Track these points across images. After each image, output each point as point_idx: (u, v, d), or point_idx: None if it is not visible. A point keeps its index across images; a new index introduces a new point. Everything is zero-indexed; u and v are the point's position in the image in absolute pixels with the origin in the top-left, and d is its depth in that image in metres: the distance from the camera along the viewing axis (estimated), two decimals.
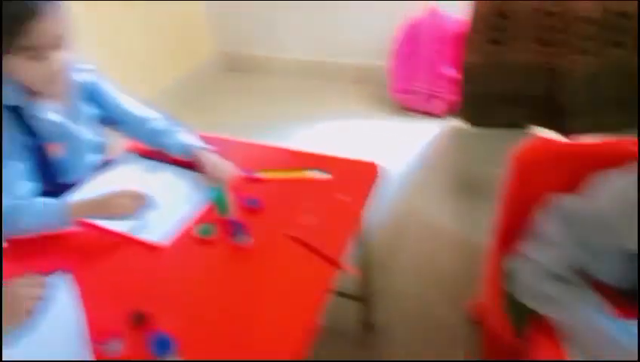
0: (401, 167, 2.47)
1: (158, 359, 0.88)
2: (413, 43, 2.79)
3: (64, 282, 1.04)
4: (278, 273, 1.05)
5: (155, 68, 3.03)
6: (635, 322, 0.99)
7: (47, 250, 1.14)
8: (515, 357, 1.16)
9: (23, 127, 1.15)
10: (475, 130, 2.69)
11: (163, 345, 0.90)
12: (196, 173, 1.31)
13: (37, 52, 1.04)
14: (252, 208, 1.21)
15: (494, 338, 1.25)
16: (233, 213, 1.19)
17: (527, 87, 2.41)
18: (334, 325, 1.64)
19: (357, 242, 1.39)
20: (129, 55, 2.83)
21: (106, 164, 1.38)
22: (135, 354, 0.90)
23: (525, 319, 1.11)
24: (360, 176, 1.29)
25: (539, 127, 2.55)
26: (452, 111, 2.79)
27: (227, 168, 1.30)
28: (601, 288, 1.06)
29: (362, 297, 1.64)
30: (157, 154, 1.39)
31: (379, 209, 1.23)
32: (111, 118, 1.36)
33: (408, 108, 2.91)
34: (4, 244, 1.17)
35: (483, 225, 2.07)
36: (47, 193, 1.21)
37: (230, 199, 1.20)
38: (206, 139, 1.37)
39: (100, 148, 1.37)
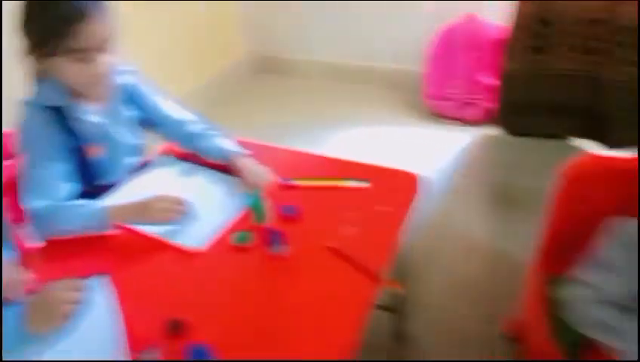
0: (433, 176, 2.42)
1: None
2: (449, 48, 2.74)
3: (101, 285, 1.03)
4: (317, 285, 1.02)
5: (186, 68, 3.04)
6: None
7: (84, 252, 1.14)
8: None
9: (64, 128, 1.16)
10: (512, 139, 2.63)
11: (200, 355, 0.88)
12: (232, 178, 1.30)
13: (83, 54, 1.05)
14: (289, 216, 1.19)
15: (538, 358, 1.20)
16: (270, 220, 1.17)
17: (568, 96, 2.34)
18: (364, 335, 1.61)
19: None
20: (160, 55, 2.84)
21: (143, 166, 1.38)
22: None
23: (578, 345, 1.06)
24: (400, 186, 1.26)
25: (579, 139, 2.48)
26: (488, 119, 2.73)
27: (264, 174, 1.28)
28: None
29: (394, 308, 1.60)
30: (192, 157, 1.38)
31: (411, 218, 1.19)
32: (149, 120, 1.36)
33: (441, 115, 2.85)
34: (43, 244, 1.18)
35: (519, 239, 2.02)
36: (85, 194, 1.22)
37: (267, 206, 1.17)
38: (242, 144, 1.35)
39: (137, 150, 1.37)
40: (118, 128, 1.27)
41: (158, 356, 0.89)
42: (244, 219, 1.19)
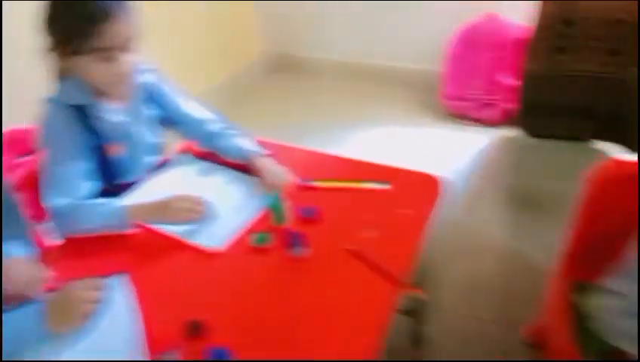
0: (451, 177, 2.39)
1: None
2: (468, 48, 2.70)
3: (121, 284, 1.03)
4: (337, 289, 1.00)
5: (201, 67, 3.03)
6: None
7: (103, 250, 1.13)
8: None
9: (86, 126, 1.16)
10: (531, 141, 2.59)
11: (220, 357, 0.87)
12: (251, 178, 1.29)
13: (107, 53, 1.06)
14: (308, 218, 1.18)
15: None
16: (289, 222, 1.16)
17: (592, 98, 2.29)
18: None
19: None
20: (176, 53, 2.84)
21: (162, 165, 1.37)
22: None
23: (604, 354, 1.03)
24: (421, 189, 1.24)
25: (602, 142, 2.43)
26: (507, 121, 2.69)
27: (283, 175, 1.27)
28: None
29: (412, 311, 1.58)
30: (211, 156, 1.38)
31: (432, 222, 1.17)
32: (169, 119, 1.35)
33: (460, 116, 2.82)
34: (62, 242, 1.18)
35: (538, 242, 1.99)
36: (105, 193, 1.22)
37: (287, 207, 1.16)
38: (261, 144, 1.34)
39: (157, 149, 1.37)
40: (139, 127, 1.27)
41: (178, 357, 0.88)
42: (263, 219, 1.18)
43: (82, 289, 0.96)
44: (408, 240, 1.10)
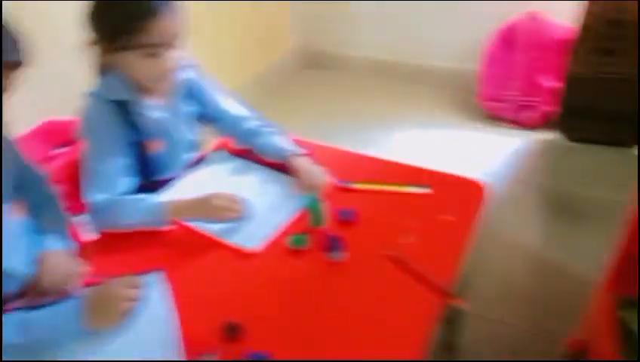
0: (486, 181, 2.33)
1: None
2: (508, 48, 2.63)
3: (157, 281, 1.02)
4: (376, 296, 0.98)
5: (234, 62, 3.03)
6: None
7: (139, 246, 1.13)
8: None
9: (127, 122, 1.16)
10: (571, 145, 2.50)
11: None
12: (287, 178, 1.27)
13: (153, 50, 1.06)
14: (346, 221, 1.15)
15: None
16: (327, 224, 1.13)
17: (636, 103, 2.20)
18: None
19: None
20: (208, 49, 2.83)
21: (198, 162, 1.36)
22: None
23: None
24: (464, 194, 1.20)
25: None
26: (546, 124, 2.61)
27: (321, 175, 1.24)
28: None
29: (448, 319, 1.54)
30: (246, 153, 1.36)
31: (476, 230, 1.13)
32: (208, 116, 1.34)
33: (497, 118, 2.74)
34: (98, 237, 1.19)
35: (575, 251, 1.93)
36: (142, 188, 1.21)
37: (324, 209, 1.14)
38: (298, 143, 1.32)
39: (194, 146, 1.36)
40: (178, 124, 1.26)
41: (214, 359, 0.87)
42: (300, 221, 1.16)
43: (120, 286, 0.95)
44: (451, 248, 1.06)
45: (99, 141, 1.14)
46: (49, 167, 1.28)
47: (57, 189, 1.16)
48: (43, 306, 0.94)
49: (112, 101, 1.14)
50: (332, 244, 1.07)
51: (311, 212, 1.14)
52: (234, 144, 1.39)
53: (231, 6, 2.85)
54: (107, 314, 0.92)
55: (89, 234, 1.25)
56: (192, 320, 0.94)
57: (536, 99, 2.61)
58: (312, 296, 0.99)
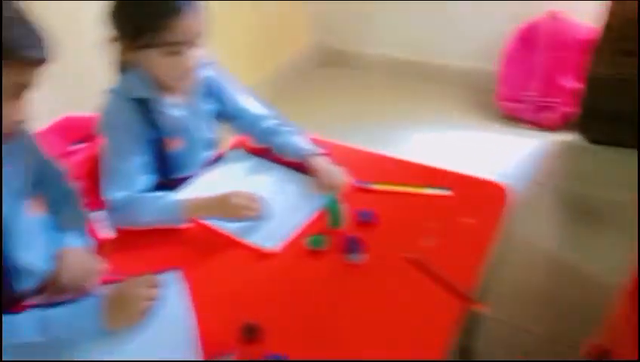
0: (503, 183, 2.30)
1: None
2: (527, 48, 2.58)
3: (174, 280, 1.02)
4: (396, 300, 0.96)
5: (249, 59, 3.02)
6: None
7: (156, 244, 1.13)
8: None
9: (146, 119, 1.15)
10: (591, 147, 2.46)
11: None
12: (305, 177, 1.26)
13: (176, 48, 1.05)
14: (365, 222, 1.13)
15: None
16: (345, 225, 1.12)
17: None
18: None
19: None
20: (223, 46, 2.83)
21: (215, 160, 1.36)
22: None
23: None
24: (486, 197, 1.18)
25: None
26: (566, 125, 2.57)
27: (339, 175, 1.23)
28: None
29: (464, 324, 1.52)
30: (263, 152, 1.35)
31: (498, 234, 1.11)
32: (226, 114, 1.34)
33: (515, 118, 2.70)
34: (115, 235, 1.18)
35: (594, 254, 1.89)
36: (160, 186, 1.21)
37: (343, 210, 1.12)
38: (316, 143, 1.31)
39: (212, 144, 1.35)
40: (197, 122, 1.26)
41: (233, 359, 0.86)
42: (318, 221, 1.15)
43: (138, 286, 0.95)
44: (472, 252, 1.04)
45: (119, 138, 1.14)
46: (67, 163, 1.28)
47: (76, 185, 1.16)
48: (62, 304, 0.94)
49: (132, 98, 1.13)
50: (351, 246, 1.05)
51: (329, 212, 1.13)
52: (252, 142, 1.38)
53: (246, 4, 2.85)
54: (125, 314, 0.91)
55: (106, 232, 1.25)
56: (209, 320, 0.93)
57: (556, 99, 2.57)
58: (331, 298, 0.98)
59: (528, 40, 2.57)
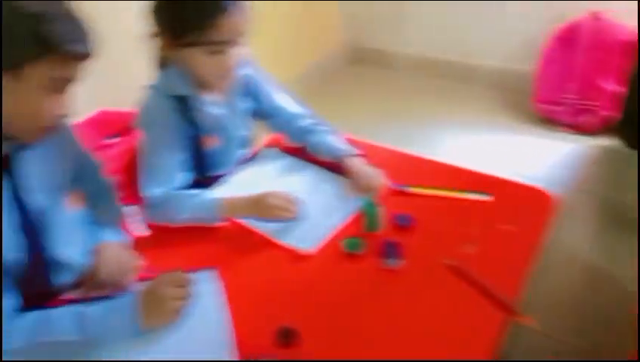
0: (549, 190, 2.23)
1: None
2: (567, 49, 2.51)
3: (209, 278, 1.01)
4: (436, 308, 0.93)
5: (281, 56, 3.00)
6: None
7: (192, 242, 1.12)
8: None
9: (185, 117, 1.15)
10: (631, 152, 2.37)
11: None
12: (340, 178, 1.23)
13: (219, 47, 1.04)
14: (403, 226, 1.11)
15: None
16: (383, 229, 1.10)
17: None
18: None
19: None
20: (256, 45, 2.81)
21: (249, 159, 1.35)
22: None
23: None
24: (529, 204, 1.14)
25: None
26: (605, 129, 2.49)
27: (376, 177, 1.20)
28: None
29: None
30: (297, 151, 1.34)
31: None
32: (262, 112, 1.33)
33: (553, 121, 2.63)
34: (150, 231, 1.18)
35: (632, 263, 1.82)
36: (195, 184, 1.20)
37: (381, 213, 1.10)
38: (350, 142, 1.28)
39: (247, 142, 1.34)
40: (234, 120, 1.25)
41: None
42: (355, 224, 1.12)
43: (173, 284, 0.94)
44: (515, 261, 1.00)
45: (158, 135, 1.13)
46: (101, 157, 1.28)
47: (112, 180, 1.17)
48: (98, 299, 0.94)
49: (171, 95, 1.13)
50: (389, 251, 1.03)
51: (366, 215, 1.10)
52: (287, 141, 1.37)
53: (280, 3, 2.83)
54: (159, 313, 0.90)
55: (138, 228, 1.25)
56: (244, 320, 0.92)
57: (595, 102, 2.49)
58: (368, 304, 0.95)
59: (568, 40, 2.50)
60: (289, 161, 1.34)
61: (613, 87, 2.39)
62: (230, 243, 1.11)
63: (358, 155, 1.24)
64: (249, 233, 1.12)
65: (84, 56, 0.83)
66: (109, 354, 0.87)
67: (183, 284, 0.95)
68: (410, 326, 0.90)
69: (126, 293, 0.96)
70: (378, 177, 1.20)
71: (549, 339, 1.60)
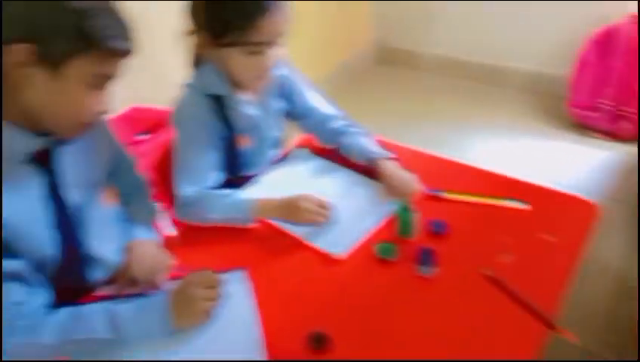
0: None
1: None
2: (604, 52, 2.44)
3: (240, 279, 1.00)
4: (471, 318, 0.91)
5: (312, 55, 2.99)
6: None
7: (222, 242, 1.11)
8: None
9: (220, 116, 1.14)
10: None
11: None
12: (373, 182, 1.21)
13: (259, 48, 1.03)
14: (437, 233, 1.08)
15: None
16: (417, 235, 1.07)
17: None
18: None
19: None
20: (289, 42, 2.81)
21: (280, 159, 1.34)
22: None
23: None
24: (569, 214, 1.10)
25: None
26: None
27: (411, 182, 1.17)
28: None
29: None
30: (328, 153, 1.32)
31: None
32: (295, 113, 1.32)
33: (588, 127, 2.56)
34: (181, 230, 1.18)
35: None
36: (226, 183, 1.20)
37: (416, 219, 1.07)
38: (384, 145, 1.26)
39: (279, 143, 1.34)
40: (267, 120, 1.24)
41: None
42: (387, 229, 1.10)
43: (203, 285, 0.93)
44: (555, 273, 0.97)
45: (193, 134, 1.13)
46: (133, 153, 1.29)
47: (148, 178, 1.17)
48: (131, 297, 0.94)
49: (207, 94, 1.12)
50: (423, 257, 1.00)
51: (400, 220, 1.08)
52: (318, 142, 1.35)
53: (311, 2, 2.82)
54: (190, 313, 0.90)
55: (166, 226, 1.25)
56: (274, 322, 0.91)
57: (633, 109, 2.41)
58: (400, 311, 0.93)
59: (605, 44, 2.43)
60: (320, 162, 1.33)
61: None
62: (261, 244, 1.10)
63: (391, 158, 1.22)
64: (281, 234, 1.11)
65: (125, 52, 0.83)
66: (139, 354, 0.87)
67: (213, 285, 0.94)
68: (443, 337, 0.88)
69: (158, 292, 0.96)
70: (413, 181, 1.17)
71: (588, 354, 1.56)
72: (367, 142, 1.27)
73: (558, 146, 2.50)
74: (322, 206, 1.10)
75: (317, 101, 1.32)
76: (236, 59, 1.05)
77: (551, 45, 2.79)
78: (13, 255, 0.84)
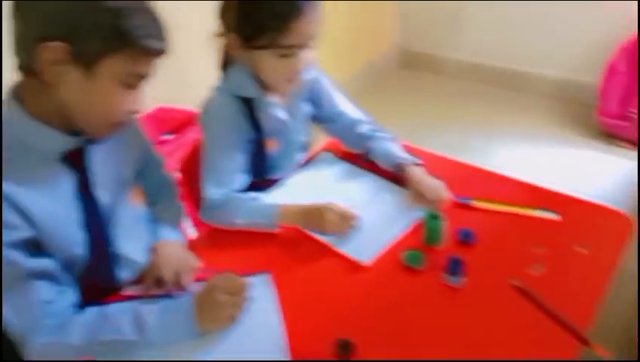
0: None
1: None
2: (634, 60, 2.38)
3: (264, 282, 1.00)
4: (500, 331, 0.89)
5: (336, 58, 2.97)
6: None
7: (247, 245, 1.11)
8: None
9: (249, 119, 1.14)
10: None
11: None
12: (399, 188, 1.20)
13: (291, 50, 1.03)
14: (465, 242, 1.06)
15: None
16: (444, 244, 1.06)
17: None
18: None
19: None
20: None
21: (305, 163, 1.33)
22: None
23: None
24: (602, 226, 1.07)
25: None
26: None
27: (439, 189, 1.15)
28: None
29: None
30: (353, 158, 1.31)
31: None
32: (323, 116, 1.31)
33: (617, 137, 2.50)
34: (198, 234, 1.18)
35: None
36: (252, 186, 1.19)
37: (444, 227, 1.06)
38: (410, 151, 1.24)
39: (305, 146, 1.33)
40: (295, 124, 1.24)
41: None
42: (414, 236, 1.09)
43: (227, 290, 0.92)
44: (588, 287, 0.94)
45: (222, 135, 1.13)
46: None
47: (176, 179, 1.17)
48: (157, 298, 0.94)
49: (237, 96, 1.12)
50: (451, 267, 0.99)
51: (427, 228, 1.06)
52: (345, 147, 1.34)
53: (337, 4, 2.81)
54: (214, 319, 0.90)
55: (189, 228, 1.25)
56: (298, 327, 0.91)
57: None
58: (427, 321, 0.92)
59: (634, 52, 2.37)
60: (345, 167, 1.31)
61: None
62: (287, 248, 1.09)
63: (419, 164, 1.21)
64: (306, 239, 1.10)
65: (159, 52, 0.83)
66: (166, 356, 0.87)
67: (238, 290, 0.93)
68: (469, 348, 0.86)
69: (184, 294, 0.96)
70: (441, 189, 1.15)
71: None
72: (394, 147, 1.25)
73: (584, 155, 2.46)
74: (346, 216, 1.08)
75: (345, 105, 1.31)
76: (267, 61, 1.05)
77: (579, 52, 2.74)
78: (45, 253, 0.85)
